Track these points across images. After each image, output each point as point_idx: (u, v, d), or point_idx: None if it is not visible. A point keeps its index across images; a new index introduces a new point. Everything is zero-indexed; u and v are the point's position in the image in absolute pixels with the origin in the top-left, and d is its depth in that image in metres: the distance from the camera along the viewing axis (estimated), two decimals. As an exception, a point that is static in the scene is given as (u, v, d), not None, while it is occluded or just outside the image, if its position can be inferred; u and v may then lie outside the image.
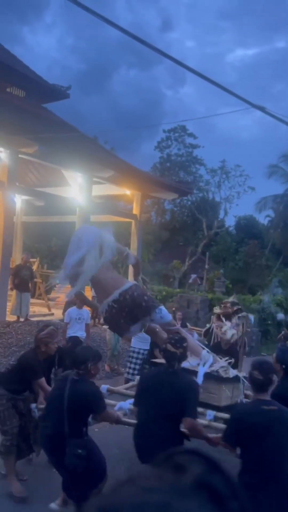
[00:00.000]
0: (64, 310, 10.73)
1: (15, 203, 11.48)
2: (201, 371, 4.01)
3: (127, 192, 13.16)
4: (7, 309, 9.54)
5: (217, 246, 28.60)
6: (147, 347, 6.41)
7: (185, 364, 4.01)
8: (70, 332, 7.49)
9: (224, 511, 0.41)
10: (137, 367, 6.45)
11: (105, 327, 10.91)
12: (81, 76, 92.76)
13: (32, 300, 10.85)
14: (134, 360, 6.60)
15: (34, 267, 12.97)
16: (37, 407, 3.87)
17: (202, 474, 0.44)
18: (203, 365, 4.09)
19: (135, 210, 13.36)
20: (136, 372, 6.31)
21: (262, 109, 4.36)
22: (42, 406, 3.75)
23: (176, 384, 3.01)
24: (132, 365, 6.59)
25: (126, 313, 3.97)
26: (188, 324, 9.28)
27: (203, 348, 4.56)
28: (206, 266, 20.19)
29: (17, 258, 12.31)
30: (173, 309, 9.82)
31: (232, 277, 24.09)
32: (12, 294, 9.67)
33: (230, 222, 33.65)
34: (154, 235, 24.19)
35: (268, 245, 28.34)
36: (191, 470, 0.44)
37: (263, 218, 30.78)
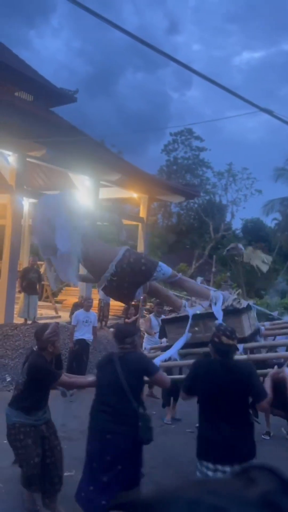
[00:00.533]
0: (71, 313, 10.78)
1: (23, 206, 11.56)
2: (217, 310, 3.89)
3: (134, 195, 13.20)
4: (15, 312, 9.60)
5: (224, 249, 28.52)
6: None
7: (198, 308, 4.03)
8: (78, 335, 7.49)
9: None
10: None
11: (112, 330, 10.94)
12: (88, 79, 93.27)
13: (40, 303, 10.90)
14: None
15: (42, 270, 13.03)
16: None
17: (272, 492, 0.44)
18: (215, 304, 3.97)
19: (142, 213, 13.38)
20: None
21: (270, 112, 4.36)
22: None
23: (237, 374, 2.88)
24: None
25: (127, 282, 3.82)
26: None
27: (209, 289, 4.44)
28: (213, 269, 20.14)
29: (24, 261, 12.37)
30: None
31: (239, 280, 23.98)
32: (20, 296, 9.73)
33: (237, 225, 33.60)
34: (160, 238, 24.21)
35: (275, 248, 28.20)
36: (261, 486, 0.45)
37: (270, 221, 30.66)
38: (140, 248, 13.34)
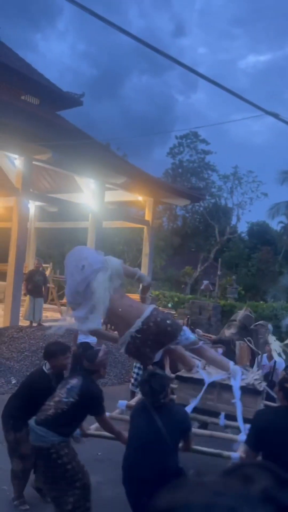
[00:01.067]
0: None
1: (29, 209, 11.62)
2: (236, 385, 3.84)
3: (139, 198, 13.21)
4: (20, 314, 9.62)
5: (229, 252, 28.45)
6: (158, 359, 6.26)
7: (219, 376, 3.95)
8: (81, 338, 7.44)
9: None
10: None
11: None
12: (94, 82, 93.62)
13: (45, 305, 10.92)
14: (138, 371, 6.38)
15: (47, 273, 13.06)
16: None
17: (270, 487, 0.46)
18: (235, 379, 3.92)
19: (147, 216, 13.39)
20: None
21: (275, 115, 4.35)
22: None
23: None
24: (136, 376, 6.30)
25: (151, 341, 3.73)
26: (200, 330, 9.17)
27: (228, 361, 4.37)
28: (219, 272, 20.09)
29: (30, 264, 12.42)
30: (187, 317, 9.71)
31: (245, 283, 23.92)
32: (26, 299, 9.75)
33: (242, 228, 33.52)
34: (166, 241, 24.19)
35: (281, 252, 28.08)
36: (259, 482, 0.46)
37: (276, 224, 30.53)
38: (145, 251, 13.34)
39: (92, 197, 11.36)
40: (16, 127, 8.44)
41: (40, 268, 10.43)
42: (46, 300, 11.93)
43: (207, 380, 3.93)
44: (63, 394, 3.14)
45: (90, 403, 3.15)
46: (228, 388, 3.85)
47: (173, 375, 4.54)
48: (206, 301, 15.10)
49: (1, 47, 15.37)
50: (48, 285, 11.80)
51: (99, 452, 4.82)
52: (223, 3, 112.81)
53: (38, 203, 13.30)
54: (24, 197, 9.61)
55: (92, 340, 7.50)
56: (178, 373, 4.34)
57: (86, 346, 7.47)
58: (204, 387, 3.86)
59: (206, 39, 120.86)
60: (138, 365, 6.10)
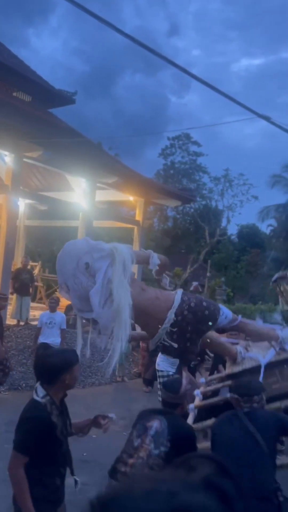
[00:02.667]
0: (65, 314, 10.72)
1: (19, 206, 11.52)
2: None
3: (130, 198, 13.19)
4: (7, 313, 9.53)
5: (219, 254, 28.60)
6: (174, 371, 5.65)
7: (271, 354, 3.41)
8: (41, 338, 6.79)
9: (231, 510, 0.46)
10: None
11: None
12: (86, 80, 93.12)
13: (33, 304, 10.84)
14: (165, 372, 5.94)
15: (36, 271, 12.97)
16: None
17: (212, 475, 0.49)
18: None
19: (138, 216, 13.38)
20: None
21: (267, 119, 4.37)
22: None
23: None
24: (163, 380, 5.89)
25: (190, 332, 3.18)
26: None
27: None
28: (208, 274, 20.19)
29: (19, 262, 12.33)
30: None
31: (234, 285, 24.06)
32: (13, 297, 9.67)
33: (232, 230, 33.73)
34: (156, 241, 24.21)
35: (270, 254, 28.31)
36: (201, 471, 0.49)
37: (266, 227, 30.79)
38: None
39: (83, 196, 11.31)
40: (7, 124, 8.36)
41: (28, 267, 10.35)
42: (34, 299, 11.85)
43: (263, 361, 3.38)
44: (148, 445, 2.44)
45: (185, 447, 2.44)
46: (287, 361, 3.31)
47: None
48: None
49: (-7, 42, 15.23)
50: (36, 283, 11.71)
51: (84, 453, 4.79)
52: (218, 6, 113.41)
53: (28, 201, 13.20)
54: (14, 195, 9.53)
55: (53, 340, 6.63)
56: (228, 372, 3.67)
57: (46, 347, 7.01)
58: (261, 374, 3.30)
59: (200, 41, 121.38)
60: (161, 380, 4.89)
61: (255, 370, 3.36)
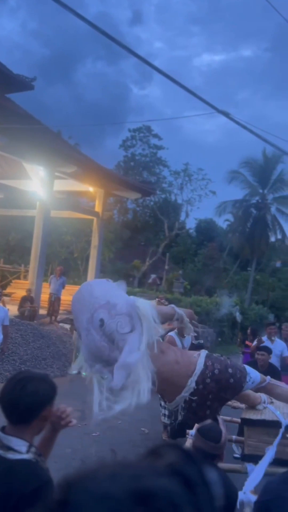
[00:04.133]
0: (19, 306, 10.49)
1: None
2: None
3: (90, 189, 13.05)
4: None
5: (177, 247, 29.01)
6: None
7: None
8: None
9: (192, 494, 0.47)
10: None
11: (64, 325, 10.73)
12: (45, 64, 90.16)
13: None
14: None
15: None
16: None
17: (177, 462, 0.50)
18: None
19: (98, 208, 13.26)
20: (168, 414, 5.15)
21: (226, 114, 4.45)
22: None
23: None
24: (165, 410, 5.42)
25: (211, 400, 2.89)
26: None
27: None
28: (166, 267, 20.43)
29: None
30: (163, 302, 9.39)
31: (191, 278, 24.51)
32: None
33: (190, 224, 34.28)
34: (115, 233, 24.12)
35: (226, 249, 29.07)
36: (166, 457, 0.51)
37: (223, 222, 31.56)
38: (94, 242, 13.22)
39: (41, 185, 11.04)
40: None
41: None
42: (-12, 290, 11.46)
43: (284, 421, 3.11)
44: None
45: (232, 506, 2.13)
46: None
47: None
48: (153, 295, 15.28)
49: None
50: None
51: (68, 448, 4.77)
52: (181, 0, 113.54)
53: (-18, 188, 12.71)
54: None
55: None
56: (244, 416, 3.35)
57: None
58: (282, 430, 3.06)
59: (163, 33, 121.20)
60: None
61: (274, 425, 3.13)
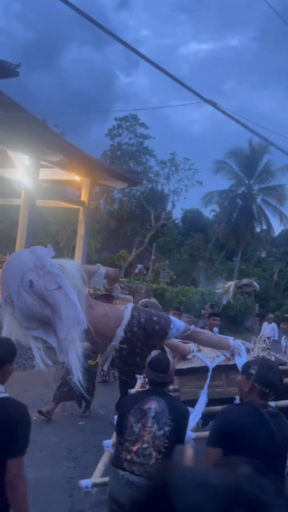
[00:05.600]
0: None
1: None
2: (242, 362, 3.32)
3: (76, 178, 12.92)
4: None
5: (163, 237, 29.06)
6: None
7: (221, 358, 3.53)
8: None
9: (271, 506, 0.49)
10: None
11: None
12: (29, 49, 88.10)
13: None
14: None
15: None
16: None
17: (248, 475, 0.51)
18: (240, 356, 3.49)
19: (84, 197, 13.16)
20: None
21: (213, 104, 4.44)
22: None
23: (281, 430, 2.17)
24: None
25: (140, 348, 3.14)
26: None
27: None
28: (152, 257, 20.46)
29: None
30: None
31: (177, 268, 24.62)
32: None
33: (177, 214, 34.31)
34: (102, 223, 24.01)
35: (212, 239, 29.24)
36: (242, 469, 0.53)
37: (209, 213, 31.68)
38: (81, 232, 13.14)
39: (26, 173, 10.89)
40: None
41: None
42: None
43: (211, 365, 3.47)
44: (151, 427, 2.43)
45: (184, 424, 2.53)
46: (235, 368, 3.35)
47: None
48: (140, 285, 15.32)
49: None
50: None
51: (55, 437, 4.78)
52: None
53: None
54: None
55: None
56: (176, 367, 3.42)
57: None
58: (209, 374, 3.40)
59: (149, 21, 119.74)
60: None
61: (202, 370, 3.45)
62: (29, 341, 2.99)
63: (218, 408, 2.94)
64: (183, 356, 3.58)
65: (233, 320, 17.76)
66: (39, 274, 2.89)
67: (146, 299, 6.58)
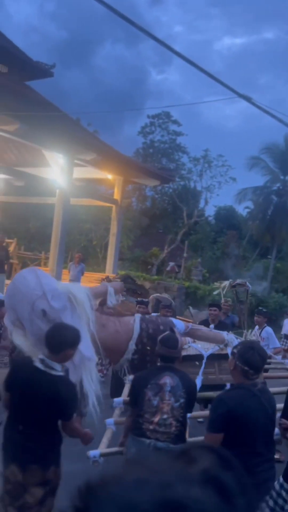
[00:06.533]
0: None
1: (-7, 182, 11.22)
2: None
3: (109, 176, 13.03)
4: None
5: (196, 235, 28.81)
6: None
7: (215, 348, 3.89)
8: None
9: (230, 506, 0.42)
10: None
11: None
12: (63, 48, 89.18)
13: (7, 282, 10.68)
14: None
15: (11, 249, 12.78)
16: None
17: (212, 468, 0.45)
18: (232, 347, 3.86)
19: (116, 195, 13.25)
20: None
21: (248, 99, 4.35)
22: None
23: (270, 403, 2.45)
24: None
25: (149, 355, 3.45)
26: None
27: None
28: (185, 255, 20.36)
29: (-7, 239, 12.07)
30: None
31: (209, 266, 24.36)
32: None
33: (210, 211, 33.92)
34: (134, 221, 24.12)
35: (246, 236, 28.73)
36: (201, 463, 0.46)
37: (242, 209, 31.12)
38: (113, 230, 13.25)
39: (60, 172, 11.09)
40: (-19, 95, 8.04)
41: (4, 244, 10.17)
42: (9, 277, 11.67)
43: (205, 353, 3.83)
44: (169, 399, 2.73)
45: (194, 396, 2.88)
46: (227, 357, 3.61)
47: None
48: (172, 283, 15.29)
49: None
50: (11, 261, 11.54)
51: None
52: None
53: (3, 176, 12.85)
54: (-11, 169, 9.25)
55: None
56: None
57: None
58: (204, 361, 3.76)
59: (182, 16, 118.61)
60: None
61: (197, 358, 3.78)
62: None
63: (211, 393, 3.41)
64: (180, 347, 3.93)
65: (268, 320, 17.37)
66: (50, 304, 3.02)
67: (158, 294, 6.88)
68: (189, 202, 28.69)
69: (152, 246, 25.23)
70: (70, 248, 17.46)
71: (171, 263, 23.28)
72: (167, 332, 3.03)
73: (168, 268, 22.90)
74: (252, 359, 2.37)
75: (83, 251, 16.68)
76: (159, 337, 2.95)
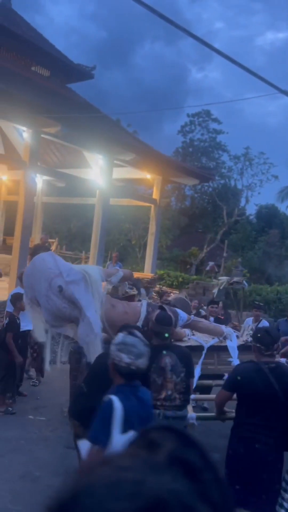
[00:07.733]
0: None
1: (36, 183, 11.55)
2: (233, 345, 4.07)
3: (148, 176, 13.07)
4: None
5: (236, 234, 28.28)
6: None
7: (215, 340, 4.19)
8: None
9: (199, 483, 0.42)
10: None
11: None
12: (103, 48, 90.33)
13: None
14: None
15: (53, 248, 13.11)
16: None
17: (176, 449, 0.44)
18: (231, 340, 4.17)
19: (155, 195, 13.27)
20: None
21: (290, 94, 4.21)
22: None
23: (280, 379, 2.73)
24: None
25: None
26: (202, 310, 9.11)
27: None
28: (224, 254, 20.01)
29: (36, 239, 12.44)
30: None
31: (250, 266, 23.84)
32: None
33: (251, 210, 33.20)
34: (173, 220, 24.06)
35: (289, 236, 27.84)
36: (165, 446, 0.45)
37: (285, 208, 30.18)
38: (152, 230, 13.28)
39: (100, 173, 11.25)
40: (25, 99, 8.30)
41: (46, 244, 10.45)
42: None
43: (205, 344, 4.10)
44: (171, 377, 3.05)
45: (191, 363, 3.23)
46: (226, 349, 4.08)
47: None
48: (211, 282, 15.11)
49: (13, 16, 14.99)
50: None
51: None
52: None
53: (45, 177, 13.22)
54: (32, 171, 9.53)
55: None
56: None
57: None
58: (204, 352, 4.03)
59: (223, 12, 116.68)
60: None
61: (197, 348, 4.04)
62: (49, 340, 3.66)
63: (210, 381, 3.94)
64: (180, 339, 4.15)
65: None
66: (66, 280, 3.33)
67: (175, 296, 7.20)
68: (229, 201, 28.21)
69: (191, 246, 25.04)
70: (110, 248, 17.69)
71: (211, 263, 22.99)
72: (159, 311, 3.27)
73: (208, 268, 22.64)
74: (262, 337, 2.84)
75: (122, 250, 16.84)
76: (154, 316, 3.19)
